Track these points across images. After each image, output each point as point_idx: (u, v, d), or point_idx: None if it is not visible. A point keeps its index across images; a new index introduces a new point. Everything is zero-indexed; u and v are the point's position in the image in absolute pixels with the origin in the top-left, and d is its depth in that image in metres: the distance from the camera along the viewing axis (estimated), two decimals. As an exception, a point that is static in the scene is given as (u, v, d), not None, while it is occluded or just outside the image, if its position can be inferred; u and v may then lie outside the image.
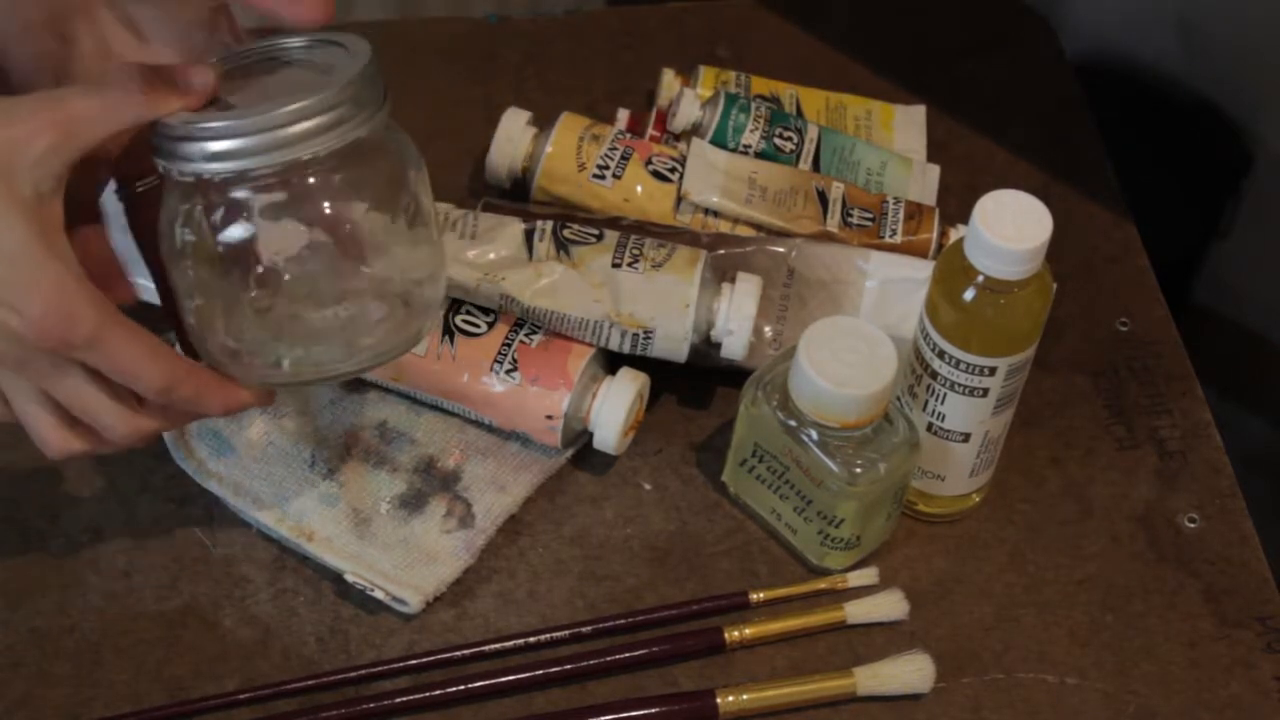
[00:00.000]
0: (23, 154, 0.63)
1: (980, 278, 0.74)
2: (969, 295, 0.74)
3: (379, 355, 0.71)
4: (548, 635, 0.78)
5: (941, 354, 0.76)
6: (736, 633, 0.78)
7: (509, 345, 0.81)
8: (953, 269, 0.75)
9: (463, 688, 0.76)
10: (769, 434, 0.79)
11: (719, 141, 0.91)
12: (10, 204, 0.63)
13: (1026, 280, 0.74)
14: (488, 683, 0.77)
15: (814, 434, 0.77)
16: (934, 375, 0.77)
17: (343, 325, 0.70)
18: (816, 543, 0.80)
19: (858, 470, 0.76)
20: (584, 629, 0.79)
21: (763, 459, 0.80)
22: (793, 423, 0.77)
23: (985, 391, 0.77)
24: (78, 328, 0.64)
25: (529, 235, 0.83)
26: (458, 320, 0.82)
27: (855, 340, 0.76)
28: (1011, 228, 0.72)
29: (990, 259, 0.73)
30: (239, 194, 0.66)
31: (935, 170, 0.94)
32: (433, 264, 0.72)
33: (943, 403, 0.78)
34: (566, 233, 0.83)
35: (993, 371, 0.76)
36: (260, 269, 0.68)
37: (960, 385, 0.77)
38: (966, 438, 0.79)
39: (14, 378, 0.68)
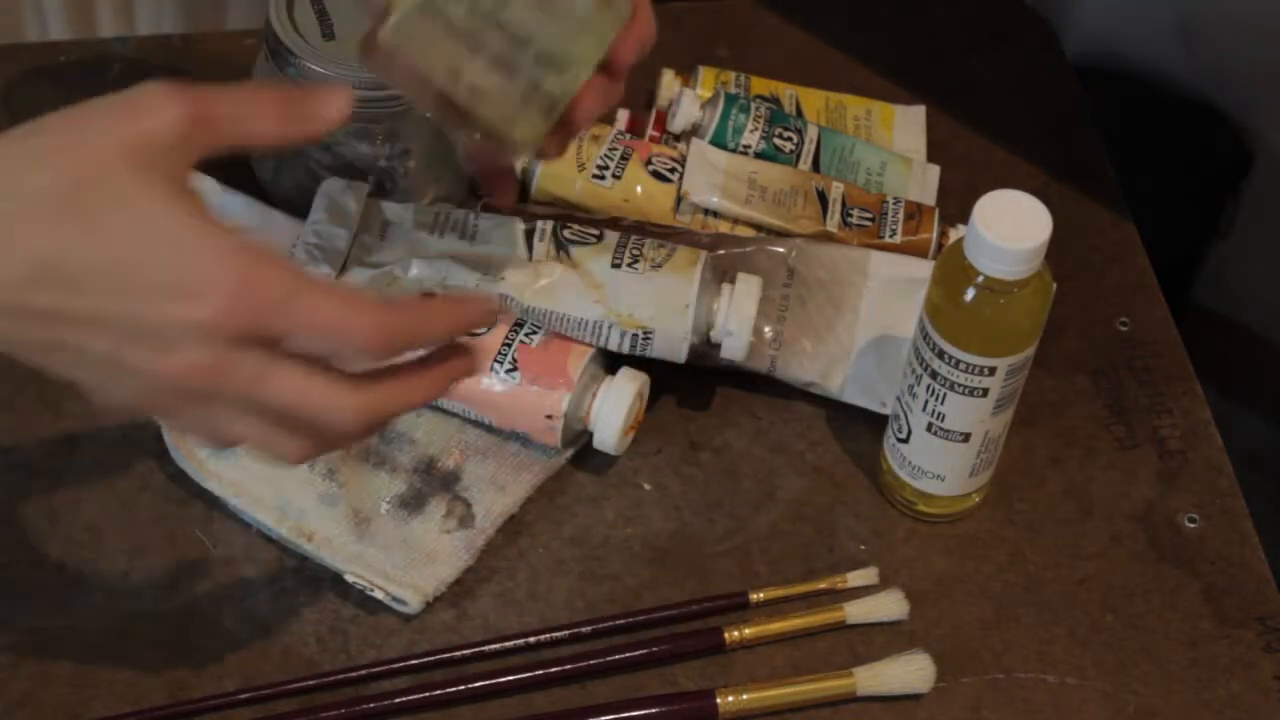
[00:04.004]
0: (158, 145, 0.60)
1: (980, 278, 0.74)
2: (969, 295, 0.74)
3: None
4: (548, 635, 0.78)
5: (941, 354, 0.76)
6: (736, 633, 0.78)
7: (509, 345, 0.81)
8: (952, 269, 0.75)
9: (463, 688, 0.76)
10: None
11: (719, 142, 0.91)
12: (155, 194, 0.59)
13: (1026, 280, 0.74)
14: (488, 683, 0.77)
15: None
16: (934, 375, 0.77)
17: None
18: (517, 103, 0.70)
19: None
20: (584, 629, 0.79)
21: None
22: None
23: (985, 391, 0.77)
24: (269, 290, 0.60)
25: (529, 235, 0.83)
26: (458, 320, 0.82)
27: None
28: (1011, 228, 0.72)
29: (990, 259, 0.73)
30: None
31: (935, 170, 0.94)
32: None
33: (943, 403, 0.78)
34: (566, 233, 0.83)
35: (993, 371, 0.76)
36: None
37: (960, 385, 0.77)
38: (966, 438, 0.79)
39: (214, 401, 0.62)
